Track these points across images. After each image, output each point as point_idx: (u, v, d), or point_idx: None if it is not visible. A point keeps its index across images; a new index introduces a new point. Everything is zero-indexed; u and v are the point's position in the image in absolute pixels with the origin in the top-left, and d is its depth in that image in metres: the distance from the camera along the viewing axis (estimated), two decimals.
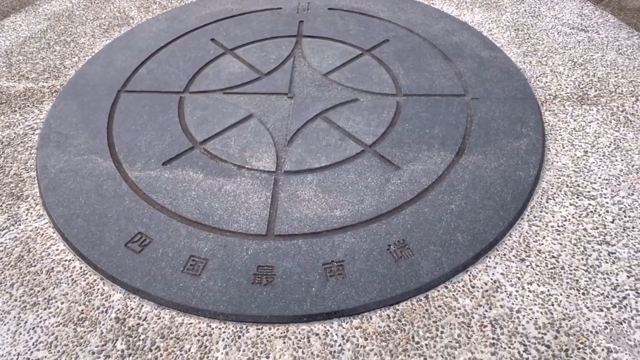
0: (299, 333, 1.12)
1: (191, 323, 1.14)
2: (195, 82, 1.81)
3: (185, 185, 1.43)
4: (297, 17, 2.12)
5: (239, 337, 1.11)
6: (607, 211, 1.34)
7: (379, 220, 1.31)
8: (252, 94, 1.74)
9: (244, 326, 1.13)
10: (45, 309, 1.19)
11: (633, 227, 1.30)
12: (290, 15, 2.13)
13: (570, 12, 2.11)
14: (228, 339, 1.11)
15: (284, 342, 1.10)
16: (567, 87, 1.74)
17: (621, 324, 1.11)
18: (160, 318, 1.16)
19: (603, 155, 1.49)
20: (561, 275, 1.20)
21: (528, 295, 1.16)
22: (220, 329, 1.13)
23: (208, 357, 1.08)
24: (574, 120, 1.61)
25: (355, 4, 2.18)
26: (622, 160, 1.48)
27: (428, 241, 1.26)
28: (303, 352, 1.08)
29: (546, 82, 1.77)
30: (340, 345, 1.09)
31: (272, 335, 1.11)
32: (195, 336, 1.12)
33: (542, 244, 1.27)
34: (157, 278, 1.20)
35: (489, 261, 1.24)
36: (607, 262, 1.23)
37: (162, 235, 1.29)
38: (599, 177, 1.43)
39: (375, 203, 1.35)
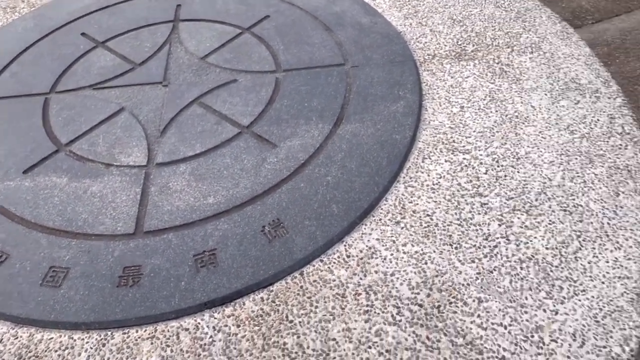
0: (168, 331, 1.06)
1: (51, 338, 1.07)
2: (62, 80, 1.69)
3: (47, 192, 1.33)
4: (175, 1, 2.02)
5: (103, 345, 1.05)
6: (481, 163, 1.35)
7: (254, 202, 1.27)
8: (124, 86, 1.64)
9: (109, 333, 1.07)
10: None
11: (505, 176, 1.32)
12: (168, 0, 2.03)
13: None
14: (91, 349, 1.04)
15: (152, 343, 1.04)
16: (445, 45, 1.74)
17: (491, 272, 1.12)
18: (17, 338, 1.07)
19: (478, 109, 1.50)
20: (435, 233, 1.20)
21: (402, 257, 1.16)
22: (83, 339, 1.06)
23: None
24: (452, 77, 1.62)
25: None
26: (496, 111, 1.49)
27: (303, 217, 1.22)
28: (172, 351, 1.03)
29: (425, 42, 1.76)
30: (211, 337, 1.04)
31: (139, 337, 1.05)
32: (56, 351, 1.04)
33: (417, 204, 1.26)
34: (14, 296, 1.11)
35: (364, 228, 1.22)
36: (479, 214, 1.24)
37: (21, 249, 1.20)
38: (474, 131, 1.44)
39: (250, 185, 1.31)
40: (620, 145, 1.38)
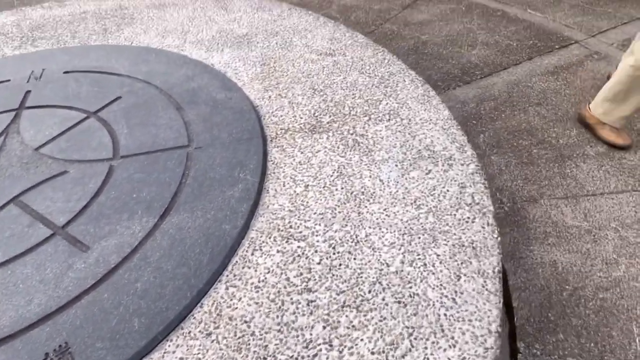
0: None
1: None
2: None
3: None
4: (25, 87, 1.89)
5: None
6: (316, 251, 1.21)
7: (45, 322, 1.08)
8: None
9: None
10: None
11: (340, 265, 1.18)
12: (18, 87, 1.89)
13: (321, 38, 2.07)
14: None
15: None
16: (301, 118, 1.65)
17: None
18: None
19: (324, 187, 1.38)
20: (249, 344, 1.03)
21: None
22: None
23: None
24: (302, 153, 1.51)
25: (97, 62, 1.99)
26: (342, 188, 1.38)
27: (96, 337, 1.04)
28: None
29: (281, 115, 1.67)
30: None
31: None
32: None
33: (237, 308, 1.10)
34: None
35: (168, 345, 1.04)
36: (304, 315, 1.08)
37: None
38: (315, 213, 1.31)
39: (45, 300, 1.12)
40: (468, 218, 1.27)
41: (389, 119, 1.61)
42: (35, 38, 2.22)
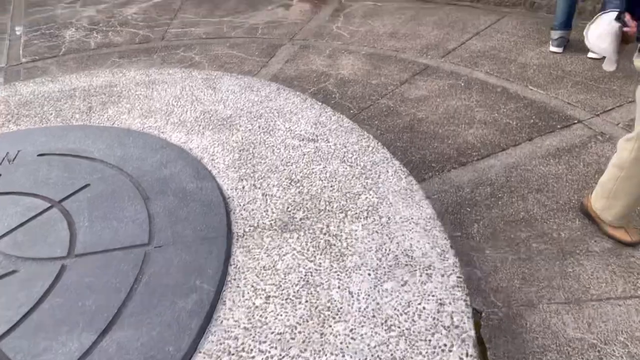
0: None
1: None
2: None
3: None
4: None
5: None
6: None
7: None
8: None
9: None
10: None
11: None
12: None
13: (306, 122, 2.00)
14: None
15: None
16: (273, 213, 1.54)
17: None
18: None
19: (287, 298, 1.25)
20: None
21: None
22: None
23: None
24: (268, 256, 1.38)
25: (73, 144, 1.94)
26: (307, 301, 1.24)
27: None
28: None
29: (253, 209, 1.56)
30: None
31: None
32: None
33: None
34: None
35: None
36: None
37: None
38: (273, 332, 1.17)
39: None
40: (445, 345, 1.11)
41: (367, 217, 1.49)
42: (20, 115, 2.20)
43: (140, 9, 4.86)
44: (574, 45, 3.48)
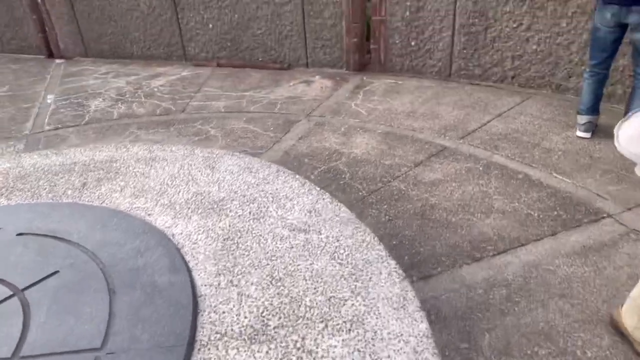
0: None
1: None
2: None
3: None
4: None
5: None
6: None
7: None
8: None
9: None
10: None
11: None
12: None
13: (300, 210, 1.86)
14: None
15: None
16: (246, 318, 1.36)
17: None
18: None
19: None
20: None
21: None
22: None
23: None
24: None
25: (56, 224, 1.85)
26: None
27: None
28: None
29: (224, 312, 1.39)
30: None
31: None
32: None
33: None
34: None
35: None
36: None
37: None
38: None
39: None
40: None
41: (350, 330, 1.30)
42: (14, 189, 2.16)
43: (167, 82, 5.02)
44: (602, 131, 3.30)
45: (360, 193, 2.76)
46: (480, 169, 2.95)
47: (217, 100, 4.40)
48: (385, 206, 2.62)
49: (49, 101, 4.67)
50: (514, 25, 4.16)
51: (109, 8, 5.86)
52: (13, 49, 6.75)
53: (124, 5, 5.75)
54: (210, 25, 5.46)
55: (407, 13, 4.59)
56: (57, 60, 6.27)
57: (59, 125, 4.06)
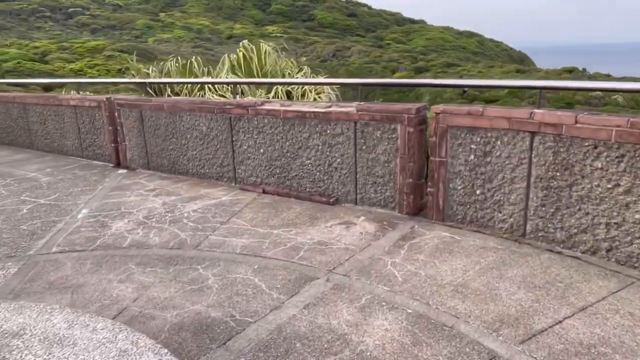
0: None
1: None
2: None
3: None
4: None
5: None
6: None
7: None
8: None
9: None
10: None
11: None
12: None
13: None
14: None
15: None
16: None
17: None
18: None
19: None
20: None
21: None
22: None
23: None
24: None
25: None
26: None
27: None
28: None
29: None
30: None
31: None
32: None
33: None
34: None
35: None
36: None
37: None
38: None
39: None
40: None
41: None
42: None
43: (203, 207, 4.66)
44: None
45: None
46: None
47: (239, 237, 3.86)
48: None
49: (80, 216, 4.49)
50: (609, 186, 3.23)
51: (172, 125, 5.91)
52: (89, 155, 7.06)
53: (186, 124, 5.76)
54: (262, 150, 5.17)
55: (472, 156, 3.87)
56: (120, 170, 6.36)
57: (66, 249, 3.75)
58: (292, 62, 7.01)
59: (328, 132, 4.64)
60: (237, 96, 5.74)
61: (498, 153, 3.74)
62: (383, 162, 4.37)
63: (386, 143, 4.31)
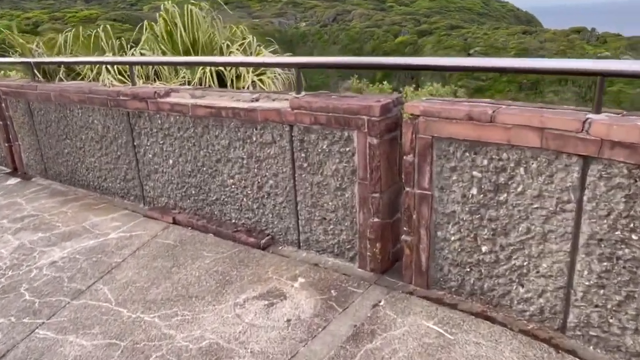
0: None
1: None
2: None
3: None
4: None
5: None
6: None
7: None
8: None
9: None
10: None
11: None
12: None
13: None
14: None
15: None
16: None
17: None
18: None
19: None
20: None
21: None
22: None
23: None
24: None
25: None
26: None
27: None
28: None
29: None
30: None
31: None
32: None
33: None
34: None
35: None
36: None
37: None
38: None
39: None
40: None
41: None
42: None
43: (70, 254, 3.10)
44: None
45: None
46: None
47: (82, 333, 2.34)
48: None
49: None
50: None
51: (64, 122, 4.31)
52: None
53: (78, 120, 4.16)
54: (171, 161, 3.59)
55: (474, 190, 2.28)
56: (9, 181, 4.82)
57: None
58: (242, 30, 5.33)
59: (254, 139, 3.04)
60: (142, 82, 4.10)
61: (520, 188, 2.14)
62: (334, 190, 2.79)
63: (337, 160, 2.71)
